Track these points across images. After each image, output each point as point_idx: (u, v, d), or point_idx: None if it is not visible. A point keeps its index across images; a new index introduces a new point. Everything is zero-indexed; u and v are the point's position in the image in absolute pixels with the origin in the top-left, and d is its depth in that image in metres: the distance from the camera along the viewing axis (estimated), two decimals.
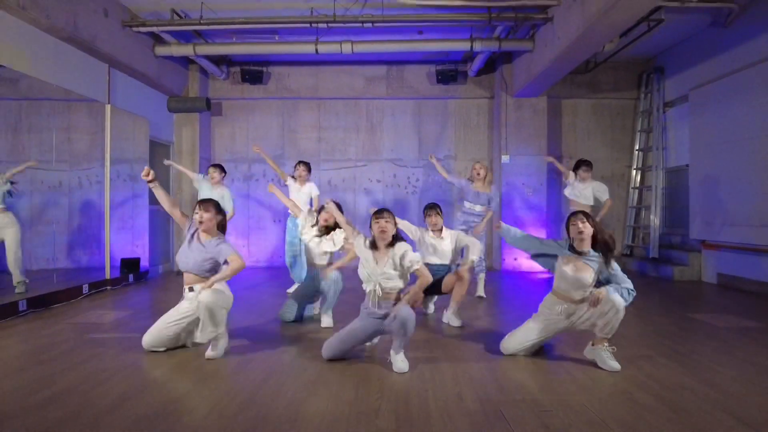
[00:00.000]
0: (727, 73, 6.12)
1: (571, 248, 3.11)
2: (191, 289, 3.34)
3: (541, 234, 7.52)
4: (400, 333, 2.95)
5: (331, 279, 4.02)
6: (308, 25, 5.89)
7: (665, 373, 2.93)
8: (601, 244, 3.05)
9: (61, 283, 5.37)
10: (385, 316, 3.05)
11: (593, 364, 3.07)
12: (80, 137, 6.90)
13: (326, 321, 4.10)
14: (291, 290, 5.21)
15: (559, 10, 5.68)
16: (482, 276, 5.44)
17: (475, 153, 8.00)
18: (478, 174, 5.40)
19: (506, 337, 3.33)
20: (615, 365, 2.98)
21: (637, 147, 7.98)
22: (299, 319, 4.27)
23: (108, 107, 6.00)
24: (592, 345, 3.12)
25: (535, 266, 7.51)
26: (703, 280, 6.54)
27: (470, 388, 2.69)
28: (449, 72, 7.64)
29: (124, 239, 6.94)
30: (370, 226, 3.18)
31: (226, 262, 3.33)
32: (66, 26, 4.88)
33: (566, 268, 3.08)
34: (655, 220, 7.41)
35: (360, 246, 3.23)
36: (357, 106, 8.08)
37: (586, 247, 3.06)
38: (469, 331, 3.94)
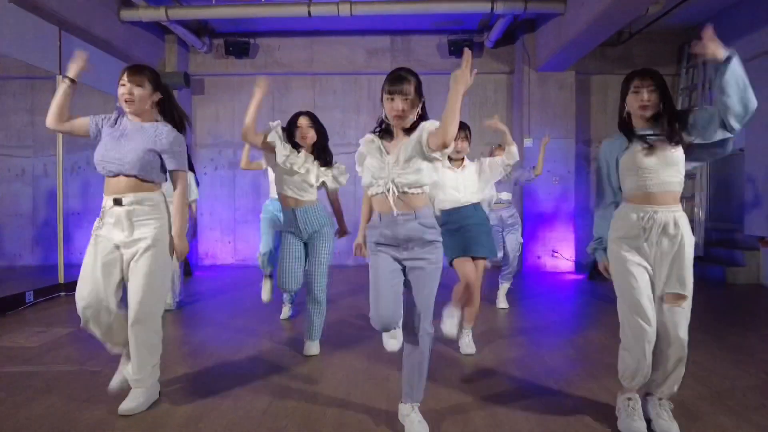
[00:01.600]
0: None
1: (624, 127, 2.11)
2: (118, 202, 2.19)
3: (569, 232, 6.60)
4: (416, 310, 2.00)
5: (325, 233, 3.05)
6: None
7: None
8: (668, 119, 2.02)
9: (2, 288, 4.48)
10: (405, 241, 2.00)
11: (695, 420, 2.15)
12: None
13: (312, 347, 3.13)
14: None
15: None
16: (506, 286, 4.51)
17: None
18: None
19: (621, 358, 2.11)
20: (674, 428, 2.01)
21: None
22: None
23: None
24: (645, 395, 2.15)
25: (559, 265, 6.59)
26: (762, 283, 5.60)
27: None
28: (463, 43, 6.64)
29: None
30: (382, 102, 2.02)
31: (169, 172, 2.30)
32: None
33: (637, 155, 2.04)
34: (700, 213, 6.45)
35: (363, 142, 2.12)
36: (357, 82, 7.10)
37: (647, 123, 2.07)
38: (502, 360, 3.02)
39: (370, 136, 2.10)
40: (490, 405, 2.36)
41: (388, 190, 1.97)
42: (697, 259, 6.15)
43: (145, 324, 2.24)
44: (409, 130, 2.01)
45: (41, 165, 6.70)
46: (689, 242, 2.01)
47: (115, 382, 2.36)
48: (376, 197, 2.04)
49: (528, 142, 6.55)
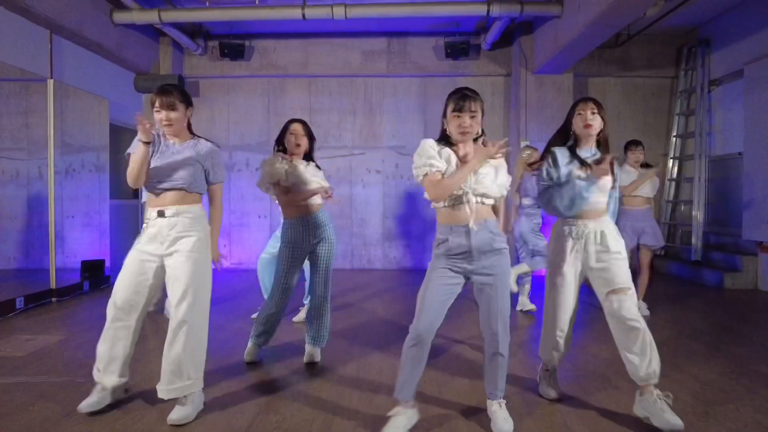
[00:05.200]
0: None
1: (571, 150, 2.45)
2: (161, 214, 2.33)
3: None
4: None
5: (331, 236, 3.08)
6: None
7: None
8: (604, 144, 2.48)
9: None
10: (471, 253, 2.11)
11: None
12: (39, 122, 6.02)
13: (316, 354, 3.13)
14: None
15: None
16: (527, 287, 4.48)
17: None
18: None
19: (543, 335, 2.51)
20: (676, 421, 2.11)
21: (674, 132, 6.95)
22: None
23: (51, 82, 5.02)
24: (640, 395, 2.26)
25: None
26: (760, 288, 5.56)
27: None
28: (460, 45, 6.60)
29: (89, 238, 6.08)
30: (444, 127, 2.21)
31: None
32: None
33: (581, 175, 2.37)
34: (697, 216, 6.40)
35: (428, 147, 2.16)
36: (353, 84, 7.05)
37: (591, 144, 2.47)
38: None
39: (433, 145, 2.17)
40: (471, 414, 2.32)
41: (466, 198, 2.10)
42: (695, 264, 6.14)
43: (190, 330, 2.29)
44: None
45: (36, 167, 6.65)
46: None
47: (91, 401, 2.33)
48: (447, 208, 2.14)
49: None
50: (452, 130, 2.15)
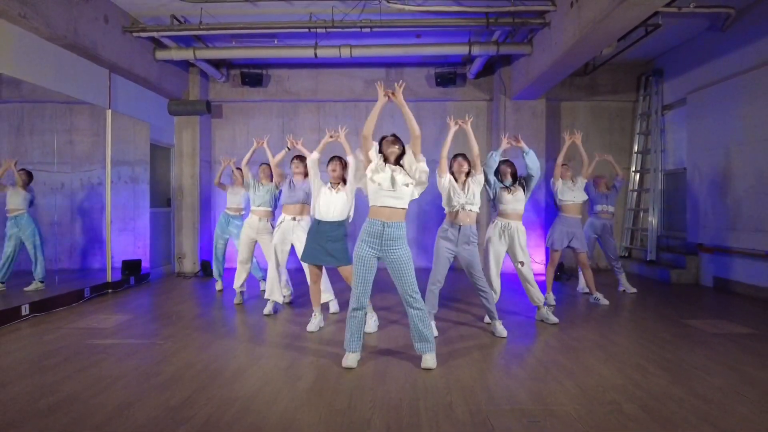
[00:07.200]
0: (725, 77, 6.13)
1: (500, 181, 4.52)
2: (294, 219, 4.76)
3: (540, 238, 7.58)
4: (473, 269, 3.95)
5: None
6: (307, 30, 5.92)
7: (654, 383, 2.98)
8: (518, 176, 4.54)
9: (63, 286, 5.45)
10: (458, 241, 3.93)
11: (583, 371, 3.14)
12: (82, 139, 6.96)
13: (429, 360, 3.24)
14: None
15: (556, 15, 5.70)
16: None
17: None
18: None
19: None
20: (554, 319, 4.42)
21: (635, 149, 8.00)
22: None
23: (109, 112, 6.06)
24: (539, 309, 4.55)
25: (533, 268, 7.54)
26: (700, 283, 6.58)
27: (461, 397, 2.75)
28: (448, 75, 7.67)
29: (125, 241, 7.02)
30: (451, 168, 4.03)
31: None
32: (67, 34, 4.93)
33: (505, 194, 4.44)
34: (653, 222, 7.44)
35: (446, 178, 3.96)
36: (356, 108, 8.11)
37: (509, 180, 4.50)
38: (463, 337, 4.00)
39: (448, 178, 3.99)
40: (447, 364, 3.33)
41: (460, 210, 3.91)
42: (650, 263, 7.18)
43: None
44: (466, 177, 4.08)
45: (78, 180, 7.65)
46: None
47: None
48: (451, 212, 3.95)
49: None
50: (455, 169, 3.99)
